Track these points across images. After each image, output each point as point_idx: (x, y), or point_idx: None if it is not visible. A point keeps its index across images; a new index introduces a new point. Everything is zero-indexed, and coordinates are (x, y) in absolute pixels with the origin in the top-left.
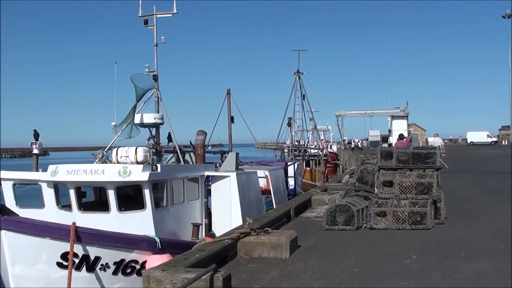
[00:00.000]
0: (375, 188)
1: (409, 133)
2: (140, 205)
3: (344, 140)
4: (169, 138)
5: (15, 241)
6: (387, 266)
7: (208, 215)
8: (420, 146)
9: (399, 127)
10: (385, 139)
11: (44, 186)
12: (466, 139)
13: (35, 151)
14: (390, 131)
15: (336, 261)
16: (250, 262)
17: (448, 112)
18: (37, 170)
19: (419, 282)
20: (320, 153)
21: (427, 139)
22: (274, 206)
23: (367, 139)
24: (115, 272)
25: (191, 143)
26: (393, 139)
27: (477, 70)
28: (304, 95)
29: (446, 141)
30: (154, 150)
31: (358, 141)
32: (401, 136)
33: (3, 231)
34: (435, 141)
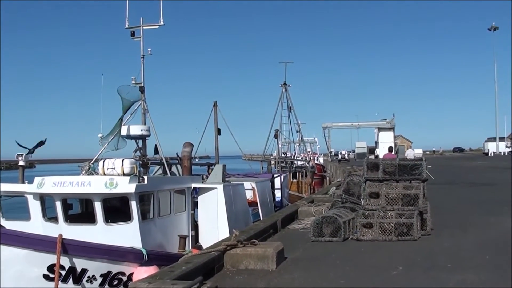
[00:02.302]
0: (361, 199)
1: (395, 145)
2: (127, 217)
3: (330, 152)
4: (156, 150)
5: (1, 253)
6: (373, 277)
7: (195, 227)
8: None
9: (386, 139)
10: (371, 150)
11: (30, 198)
12: (487, 149)
13: (21, 163)
14: (376, 142)
15: (323, 273)
16: (237, 274)
17: (434, 125)
18: (23, 182)
19: None
20: (307, 165)
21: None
22: (261, 218)
23: (353, 151)
24: (102, 284)
25: (177, 155)
26: (379, 151)
27: (462, 82)
28: (291, 107)
29: (428, 152)
30: (140, 162)
31: (345, 153)
32: (390, 149)
33: None
34: (408, 152)
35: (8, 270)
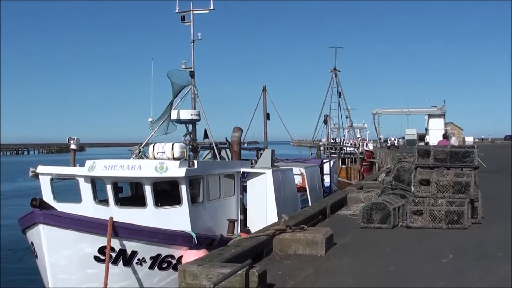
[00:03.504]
0: (411, 186)
1: (446, 132)
2: (177, 201)
3: (380, 138)
4: (205, 135)
5: (53, 235)
6: (423, 265)
7: (244, 211)
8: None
9: (436, 126)
10: (421, 137)
11: (81, 181)
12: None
13: (73, 146)
14: (426, 129)
15: (372, 260)
16: (286, 259)
17: (485, 112)
18: (74, 165)
19: (456, 282)
20: (356, 151)
21: (464, 138)
22: (310, 204)
23: (403, 138)
24: (151, 267)
25: (226, 140)
26: (429, 138)
27: None
28: (340, 93)
29: (477, 140)
30: (190, 146)
31: (394, 140)
32: (444, 135)
33: (41, 225)
34: (452, 140)
35: (60, 251)
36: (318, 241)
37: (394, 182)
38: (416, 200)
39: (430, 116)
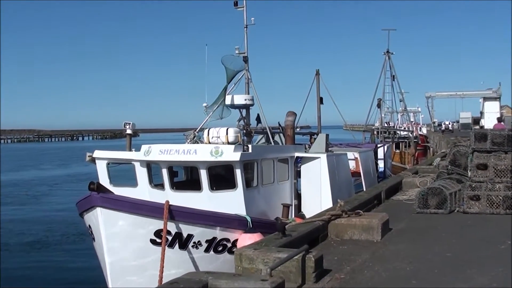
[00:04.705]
0: (468, 171)
1: (501, 115)
2: (232, 185)
3: (434, 122)
4: (258, 119)
5: (110, 218)
6: (480, 251)
7: (298, 196)
8: None
9: (491, 109)
10: (476, 121)
11: (137, 165)
12: None
13: (129, 131)
14: (481, 113)
15: (428, 245)
16: (341, 244)
17: None
18: (130, 150)
19: None
20: (410, 135)
21: None
22: (364, 189)
23: (457, 121)
24: (207, 250)
25: (279, 125)
26: (484, 121)
27: None
28: (394, 76)
29: None
30: (244, 131)
31: (449, 123)
32: (499, 119)
33: (99, 208)
34: None
35: (117, 234)
36: (374, 226)
37: (450, 166)
38: (473, 185)
39: (485, 99)
